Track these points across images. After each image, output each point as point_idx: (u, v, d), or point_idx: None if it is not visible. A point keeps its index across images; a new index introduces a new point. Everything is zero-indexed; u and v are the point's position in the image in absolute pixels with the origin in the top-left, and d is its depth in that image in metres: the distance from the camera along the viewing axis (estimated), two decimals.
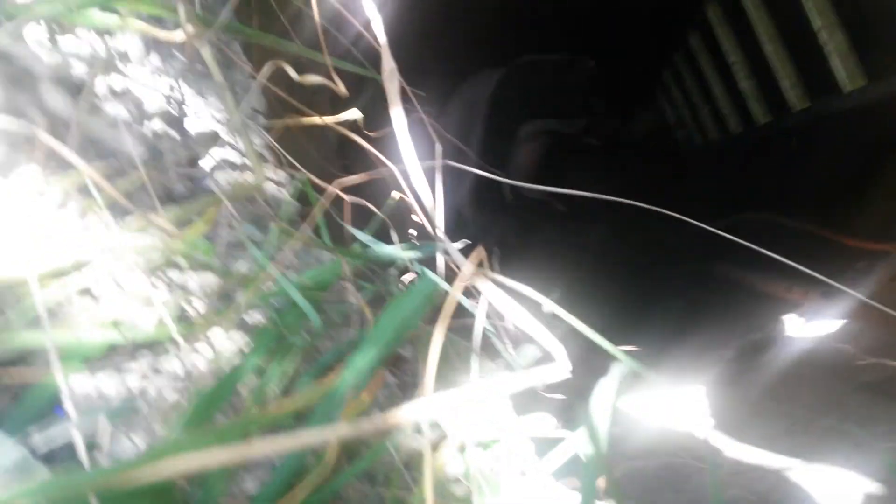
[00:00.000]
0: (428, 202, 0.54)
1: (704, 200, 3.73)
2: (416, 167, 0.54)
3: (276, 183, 0.79)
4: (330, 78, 0.81)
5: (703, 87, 3.34)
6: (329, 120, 0.84)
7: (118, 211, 0.60)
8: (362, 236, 0.71)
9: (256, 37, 0.66)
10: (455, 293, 0.45)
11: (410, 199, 0.64)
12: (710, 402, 1.67)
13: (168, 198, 0.73)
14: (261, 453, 0.29)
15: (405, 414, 0.35)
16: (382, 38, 0.55)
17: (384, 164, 0.79)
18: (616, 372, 0.49)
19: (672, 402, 1.64)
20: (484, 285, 0.48)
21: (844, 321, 1.60)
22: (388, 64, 0.58)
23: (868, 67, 2.09)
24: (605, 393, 0.46)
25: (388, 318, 0.49)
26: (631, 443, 1.44)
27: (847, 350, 1.47)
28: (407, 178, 0.64)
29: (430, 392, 0.40)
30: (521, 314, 0.47)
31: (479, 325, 0.54)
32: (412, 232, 0.88)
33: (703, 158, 3.80)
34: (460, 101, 3.34)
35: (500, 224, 3.18)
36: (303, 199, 0.84)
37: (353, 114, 0.85)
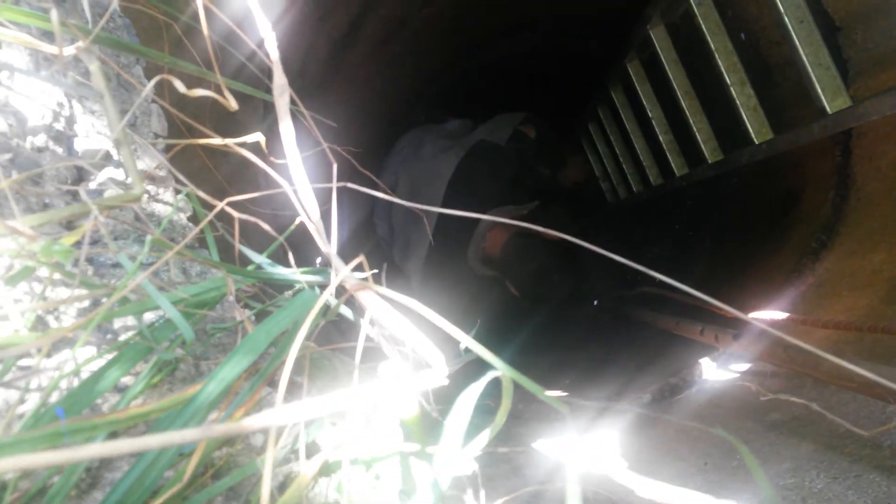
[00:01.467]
0: (324, 222, 0.52)
1: (624, 246, 3.86)
2: (306, 186, 0.52)
3: (164, 203, 0.76)
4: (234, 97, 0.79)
5: (626, 140, 3.47)
6: (230, 142, 0.81)
7: None
8: (255, 256, 0.68)
9: (139, 51, 0.63)
10: (338, 305, 0.42)
11: (307, 221, 0.61)
12: (628, 443, 1.67)
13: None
14: (93, 455, 0.26)
15: (262, 420, 0.32)
16: (275, 53, 0.53)
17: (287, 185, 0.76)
18: (482, 382, 0.48)
19: (587, 442, 1.64)
20: (368, 298, 0.46)
21: (753, 362, 1.64)
22: (280, 79, 0.56)
23: (774, 121, 2.20)
24: (463, 406, 0.44)
25: (262, 331, 0.46)
26: (537, 468, 1.43)
27: (755, 390, 1.51)
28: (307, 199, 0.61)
29: (281, 398, 0.37)
30: (402, 323, 0.45)
31: (362, 336, 0.52)
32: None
33: (626, 209, 3.93)
34: (407, 177, 3.38)
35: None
36: (197, 220, 0.81)
37: (256, 136, 0.82)
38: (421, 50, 3.64)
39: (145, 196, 0.79)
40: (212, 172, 1.16)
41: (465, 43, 3.99)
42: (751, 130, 2.16)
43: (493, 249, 3.24)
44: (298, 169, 0.53)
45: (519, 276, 3.23)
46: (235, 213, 0.63)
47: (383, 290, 0.49)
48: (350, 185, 0.60)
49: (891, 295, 1.65)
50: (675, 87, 2.61)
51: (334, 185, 0.58)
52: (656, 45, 2.60)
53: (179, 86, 0.66)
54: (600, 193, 4.31)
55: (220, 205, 0.57)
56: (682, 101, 2.60)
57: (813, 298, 2.03)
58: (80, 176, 0.80)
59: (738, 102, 2.17)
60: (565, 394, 2.30)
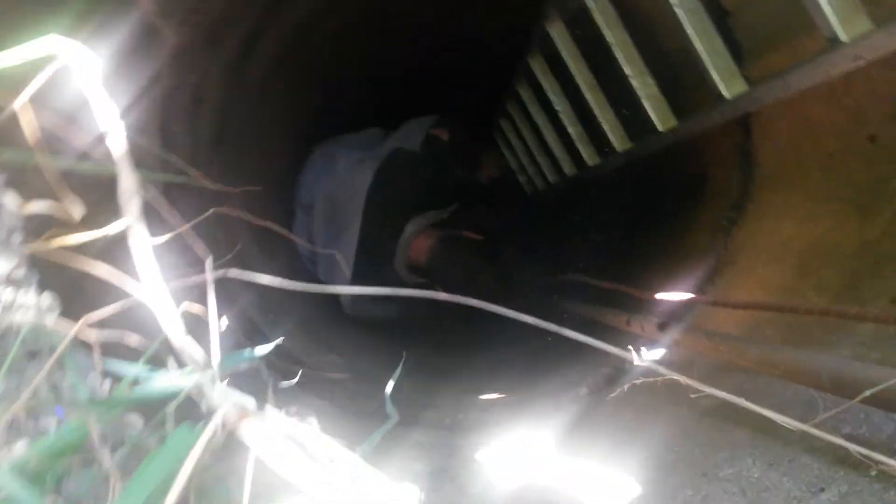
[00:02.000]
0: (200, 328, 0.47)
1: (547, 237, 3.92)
2: (161, 294, 0.46)
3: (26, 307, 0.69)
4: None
5: (537, 133, 3.51)
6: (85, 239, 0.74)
7: None
8: (125, 370, 0.61)
9: None
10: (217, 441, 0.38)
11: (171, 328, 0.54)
12: (568, 442, 1.68)
13: None
14: None
15: None
16: (122, 147, 0.45)
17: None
18: None
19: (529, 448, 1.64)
20: (251, 431, 0.41)
21: (680, 350, 1.68)
22: (127, 182, 0.48)
23: (677, 109, 2.26)
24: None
25: (135, 488, 0.41)
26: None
27: (685, 379, 1.54)
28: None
29: None
30: (294, 455, 0.40)
31: (248, 477, 0.46)
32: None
33: (545, 200, 3.98)
34: (324, 194, 3.31)
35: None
36: None
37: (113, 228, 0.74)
38: (322, 63, 3.57)
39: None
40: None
41: (372, 49, 3.94)
42: (655, 119, 2.21)
43: (419, 257, 3.23)
44: (159, 289, 0.46)
45: (447, 279, 3.23)
46: (94, 336, 0.56)
47: (274, 417, 0.44)
48: (232, 272, 0.56)
49: (801, 268, 1.72)
50: (579, 80, 2.64)
51: (209, 276, 0.53)
52: (556, 40, 2.63)
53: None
54: (519, 187, 4.35)
55: (77, 325, 0.52)
56: (587, 94, 2.64)
57: (728, 275, 2.10)
58: None
59: (639, 93, 2.21)
60: (502, 395, 2.30)
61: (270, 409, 0.46)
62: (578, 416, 1.91)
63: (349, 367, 2.48)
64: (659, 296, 2.06)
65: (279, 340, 0.85)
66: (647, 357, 1.85)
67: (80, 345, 0.65)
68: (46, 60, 0.48)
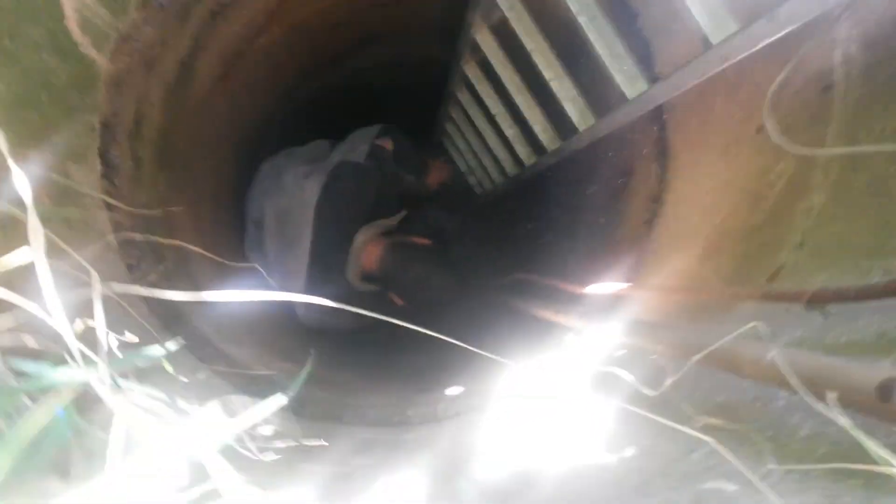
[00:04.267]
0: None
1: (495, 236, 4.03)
2: (56, 308, 0.55)
3: None
4: None
5: (480, 136, 3.62)
6: None
7: None
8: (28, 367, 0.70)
9: None
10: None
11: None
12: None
13: None
14: None
15: None
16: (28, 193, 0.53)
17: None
18: None
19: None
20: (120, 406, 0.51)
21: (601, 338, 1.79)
22: (32, 221, 0.58)
23: (596, 107, 2.38)
24: None
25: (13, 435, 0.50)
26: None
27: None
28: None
29: None
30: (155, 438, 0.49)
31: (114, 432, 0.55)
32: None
33: (493, 200, 4.10)
34: (273, 209, 3.38)
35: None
36: None
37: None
38: (266, 79, 3.64)
39: None
40: None
41: (313, 64, 4.02)
42: (575, 119, 2.33)
43: (370, 265, 3.30)
44: (54, 305, 0.56)
45: (400, 285, 3.31)
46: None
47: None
48: (116, 286, 0.65)
49: (705, 253, 1.85)
50: (509, 85, 2.76)
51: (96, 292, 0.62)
52: (483, 47, 2.74)
53: None
54: (470, 189, 4.46)
55: None
56: (517, 97, 2.76)
57: (651, 265, 2.23)
58: None
59: (559, 95, 2.33)
60: (448, 391, 2.40)
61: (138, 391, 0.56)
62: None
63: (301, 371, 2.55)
64: (587, 289, 2.19)
65: (176, 343, 0.94)
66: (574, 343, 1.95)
67: None
68: None
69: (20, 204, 0.96)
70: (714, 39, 1.44)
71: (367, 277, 3.38)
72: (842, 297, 0.93)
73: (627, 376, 1.19)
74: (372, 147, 3.48)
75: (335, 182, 3.25)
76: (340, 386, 2.69)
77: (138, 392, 0.75)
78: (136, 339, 0.99)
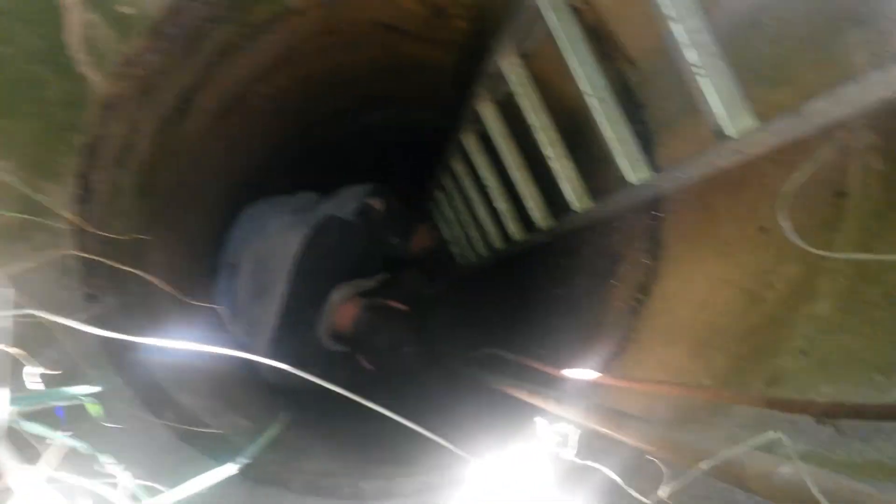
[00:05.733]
0: None
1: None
2: None
3: None
4: None
5: (469, 207, 3.58)
6: None
7: None
8: None
9: None
10: None
11: None
12: None
13: None
14: None
15: None
16: None
17: None
18: None
19: None
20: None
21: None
22: None
23: (594, 189, 2.36)
24: None
25: None
26: None
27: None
28: None
29: None
30: None
31: None
32: None
33: (475, 272, 4.04)
34: (251, 254, 3.30)
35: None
36: None
37: None
38: (264, 125, 3.61)
39: None
40: None
41: (312, 117, 4.02)
42: (572, 199, 2.30)
43: (343, 325, 3.20)
44: None
45: (370, 349, 3.21)
46: None
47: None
48: (39, 313, 0.56)
49: (695, 349, 1.78)
50: (507, 159, 2.74)
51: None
52: (485, 119, 2.73)
53: None
54: (451, 258, 4.40)
55: None
56: (514, 173, 2.73)
57: (634, 354, 2.16)
58: None
59: (559, 175, 2.30)
60: (404, 467, 2.27)
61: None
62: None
63: (255, 430, 2.40)
64: (564, 372, 2.10)
65: (88, 387, 0.82)
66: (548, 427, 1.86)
67: None
68: None
69: None
70: (729, 132, 1.41)
71: (337, 337, 3.26)
72: (860, 414, 0.85)
73: (613, 475, 1.09)
74: (362, 205, 3.44)
75: (320, 236, 3.18)
76: (292, 446, 2.54)
77: (43, 434, 0.64)
78: (57, 372, 0.87)
